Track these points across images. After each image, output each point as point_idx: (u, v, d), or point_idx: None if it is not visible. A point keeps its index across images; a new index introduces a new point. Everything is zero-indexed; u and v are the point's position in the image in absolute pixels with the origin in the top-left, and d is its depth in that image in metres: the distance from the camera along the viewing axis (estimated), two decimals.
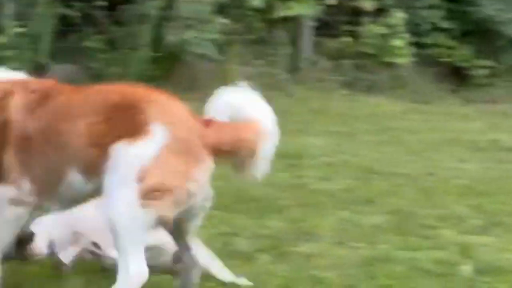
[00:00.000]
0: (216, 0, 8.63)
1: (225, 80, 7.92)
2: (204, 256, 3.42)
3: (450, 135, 8.32)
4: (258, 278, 3.59)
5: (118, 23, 8.40)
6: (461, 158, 6.98)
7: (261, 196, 4.86)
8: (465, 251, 4.19)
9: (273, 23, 9.79)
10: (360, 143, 7.35)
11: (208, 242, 3.60)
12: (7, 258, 3.26)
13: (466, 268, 4.20)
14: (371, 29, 10.23)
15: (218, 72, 8.44)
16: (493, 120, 8.83)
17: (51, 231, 3.62)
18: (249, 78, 7.56)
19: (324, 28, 10.28)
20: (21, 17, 8.31)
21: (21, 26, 8.36)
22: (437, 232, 4.53)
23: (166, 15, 8.33)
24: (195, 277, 3.20)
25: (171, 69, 8.33)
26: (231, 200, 4.68)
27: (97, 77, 7.45)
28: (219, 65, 8.61)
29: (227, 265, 3.53)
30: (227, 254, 3.84)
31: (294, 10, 9.87)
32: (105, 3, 8.23)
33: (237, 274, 3.52)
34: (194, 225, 3.13)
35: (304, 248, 4.09)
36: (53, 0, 8.05)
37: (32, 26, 8.17)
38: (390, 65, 10.11)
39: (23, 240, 3.40)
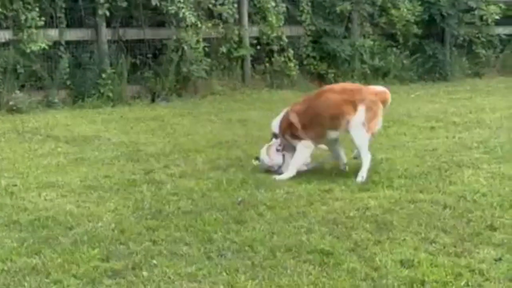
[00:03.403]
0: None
1: (210, 89, 15.16)
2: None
3: None
4: None
5: (159, 63, 13.13)
6: None
7: None
8: None
9: None
10: None
11: None
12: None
13: None
14: None
15: (206, 84, 13.55)
16: None
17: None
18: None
19: None
20: None
21: None
22: None
23: (182, 58, 12.94)
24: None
25: (185, 84, 13.35)
26: None
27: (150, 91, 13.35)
28: (206, 81, 13.49)
29: None
30: None
31: None
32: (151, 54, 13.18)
33: None
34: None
35: None
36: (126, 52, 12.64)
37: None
38: None
39: None
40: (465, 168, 7.45)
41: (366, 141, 7.15)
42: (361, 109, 7.08)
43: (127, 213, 5.94)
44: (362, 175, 6.99)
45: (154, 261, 4.86)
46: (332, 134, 7.28)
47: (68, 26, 12.75)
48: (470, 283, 4.47)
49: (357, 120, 7.08)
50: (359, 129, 7.09)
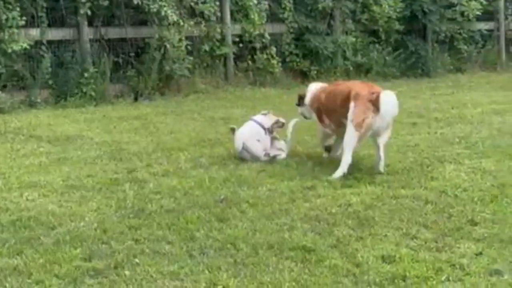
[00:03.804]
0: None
1: (193, 87, 15.21)
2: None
3: None
4: None
5: (141, 62, 13.10)
6: None
7: None
8: None
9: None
10: None
11: None
12: None
13: None
14: None
15: (189, 83, 13.57)
16: None
17: None
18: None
19: None
20: None
21: None
22: None
23: (165, 57, 12.97)
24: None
25: (168, 82, 13.34)
26: None
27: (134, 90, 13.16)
28: (189, 79, 13.52)
29: None
30: None
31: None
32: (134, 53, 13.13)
33: None
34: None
35: None
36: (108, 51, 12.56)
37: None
38: None
39: None
40: (446, 163, 7.48)
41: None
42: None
43: (109, 212, 5.92)
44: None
45: (137, 260, 4.85)
46: None
47: (49, 25, 12.72)
48: (451, 278, 4.49)
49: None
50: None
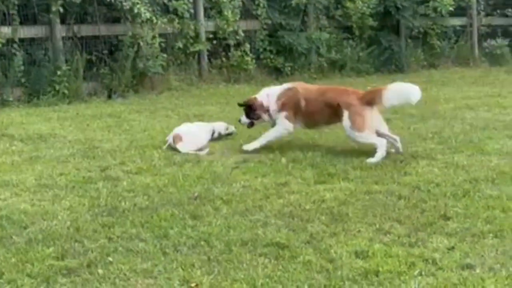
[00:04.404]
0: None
1: (167, 84, 15.19)
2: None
3: None
4: None
5: (115, 60, 13.12)
6: None
7: None
8: None
9: None
10: None
11: None
12: None
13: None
14: None
15: (163, 80, 13.60)
16: None
17: None
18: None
19: None
20: None
21: None
22: None
23: (139, 54, 13.00)
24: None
25: (142, 80, 13.32)
26: None
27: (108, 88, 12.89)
28: (163, 77, 13.53)
29: None
30: None
31: None
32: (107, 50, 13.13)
33: None
34: None
35: None
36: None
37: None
38: None
39: None
40: (420, 158, 7.51)
41: None
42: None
43: (82, 211, 5.89)
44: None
45: (110, 258, 4.83)
46: None
47: (21, 23, 12.66)
48: (423, 273, 4.51)
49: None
50: None
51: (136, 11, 13.01)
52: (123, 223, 5.52)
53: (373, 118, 7.59)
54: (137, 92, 13.30)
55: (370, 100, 7.57)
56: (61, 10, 12.69)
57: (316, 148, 8.05)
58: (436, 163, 7.28)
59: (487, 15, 19.29)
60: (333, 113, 7.69)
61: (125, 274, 4.58)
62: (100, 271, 4.63)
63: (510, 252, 4.80)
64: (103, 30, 13.52)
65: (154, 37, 13.38)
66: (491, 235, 5.12)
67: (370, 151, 7.62)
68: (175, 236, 5.22)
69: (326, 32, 16.25)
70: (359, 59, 16.37)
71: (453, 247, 4.91)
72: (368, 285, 4.37)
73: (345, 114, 7.56)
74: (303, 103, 7.92)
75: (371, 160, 7.23)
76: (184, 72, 14.25)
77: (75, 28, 13.18)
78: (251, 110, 8.16)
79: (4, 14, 12.49)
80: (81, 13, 13.45)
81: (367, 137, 7.56)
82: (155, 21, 13.34)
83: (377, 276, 4.47)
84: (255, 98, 8.20)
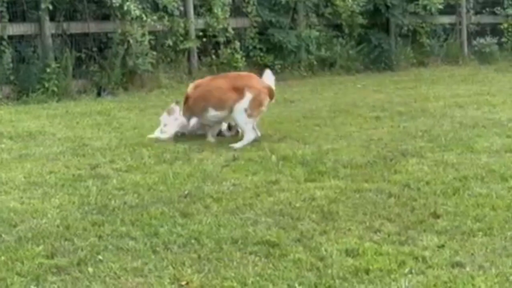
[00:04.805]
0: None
1: (157, 82, 15.18)
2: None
3: None
4: None
5: (104, 57, 13.14)
6: None
7: None
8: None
9: None
10: None
11: None
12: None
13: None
14: None
15: (152, 78, 13.61)
16: None
17: None
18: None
19: None
20: None
21: None
22: None
23: (128, 52, 13.04)
24: None
25: (132, 78, 13.34)
26: None
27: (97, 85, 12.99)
28: (152, 74, 13.56)
29: None
30: None
31: None
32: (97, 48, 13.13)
33: None
34: None
35: None
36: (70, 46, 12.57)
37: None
38: None
39: None
40: (409, 157, 7.52)
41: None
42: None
43: (72, 209, 5.88)
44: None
45: (100, 257, 4.82)
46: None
47: (10, 20, 12.62)
48: (413, 271, 4.51)
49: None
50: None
51: (125, 8, 12.97)
52: (113, 221, 5.51)
53: None
54: (126, 89, 13.28)
55: None
56: (51, 7, 12.64)
57: (306, 146, 8.03)
58: (425, 161, 7.28)
59: (476, 13, 19.48)
60: None
61: (115, 273, 4.57)
62: (90, 269, 4.62)
63: (500, 250, 4.80)
64: (93, 27, 13.49)
65: (143, 34, 13.35)
66: (480, 233, 5.12)
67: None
68: (165, 234, 5.21)
69: (315, 30, 16.23)
70: (349, 57, 16.40)
71: (443, 245, 4.91)
72: (359, 283, 4.37)
73: None
74: None
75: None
76: (174, 70, 14.23)
77: (65, 25, 13.14)
78: None
79: None
80: (71, 10, 13.39)
81: None
82: (144, 18, 13.30)
83: (367, 274, 4.47)
84: None
